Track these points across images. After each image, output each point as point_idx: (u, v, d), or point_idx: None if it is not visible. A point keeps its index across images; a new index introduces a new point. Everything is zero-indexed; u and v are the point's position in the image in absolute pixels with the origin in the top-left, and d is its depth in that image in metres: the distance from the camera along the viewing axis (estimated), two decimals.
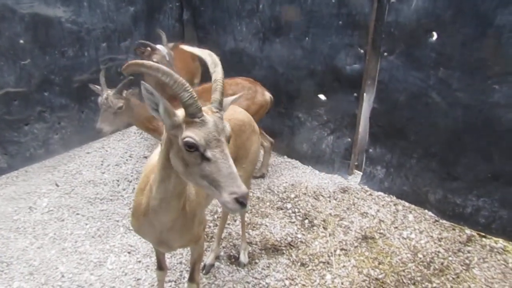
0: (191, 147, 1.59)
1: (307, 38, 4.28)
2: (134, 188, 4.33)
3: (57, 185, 4.33)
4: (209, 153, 1.59)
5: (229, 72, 5.28)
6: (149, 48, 3.56)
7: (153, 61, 3.31)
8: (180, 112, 1.67)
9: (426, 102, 3.66)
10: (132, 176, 4.55)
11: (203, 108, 1.64)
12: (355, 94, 4.20)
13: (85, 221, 3.83)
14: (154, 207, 1.95)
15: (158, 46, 3.54)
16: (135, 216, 2.18)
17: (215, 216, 3.91)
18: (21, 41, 4.32)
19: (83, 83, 4.88)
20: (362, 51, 3.98)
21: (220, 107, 1.70)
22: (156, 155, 2.07)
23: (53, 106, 4.78)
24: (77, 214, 3.92)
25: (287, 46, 4.47)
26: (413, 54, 3.61)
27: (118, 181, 4.46)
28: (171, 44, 3.72)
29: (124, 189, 4.33)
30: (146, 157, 4.88)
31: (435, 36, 3.44)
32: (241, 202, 1.55)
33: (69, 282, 3.13)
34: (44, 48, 4.52)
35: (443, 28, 3.37)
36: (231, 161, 1.60)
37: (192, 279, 2.56)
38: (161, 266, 2.73)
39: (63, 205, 4.03)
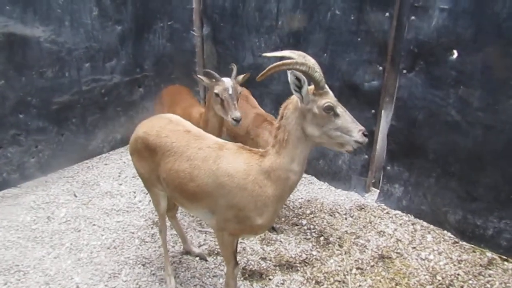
0: (329, 109, 2.16)
1: (325, 55, 4.29)
2: (150, 200, 4.36)
3: (75, 196, 4.39)
4: (338, 110, 2.17)
5: (247, 87, 5.32)
6: (213, 80, 3.47)
7: (214, 92, 3.39)
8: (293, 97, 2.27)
9: (445, 120, 3.61)
10: None
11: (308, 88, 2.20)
12: (373, 111, 4.17)
13: (101, 232, 3.86)
14: (295, 181, 2.37)
15: (224, 79, 3.50)
16: (263, 212, 2.40)
17: None
18: None
19: (64, 105, 4.75)
20: (380, 68, 3.97)
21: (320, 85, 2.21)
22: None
23: (29, 129, 4.52)
24: (94, 225, 3.96)
25: None
26: (433, 72, 3.58)
27: (134, 192, 4.50)
28: (240, 77, 3.62)
29: (140, 201, 4.36)
30: None
31: (455, 54, 3.41)
32: (366, 134, 2.17)
33: None
34: (20, 69, 4.29)
35: (464, 46, 3.34)
36: (348, 112, 2.21)
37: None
38: (237, 261, 2.78)
39: (80, 215, 4.08)
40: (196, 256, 3.58)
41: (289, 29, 4.53)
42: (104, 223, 3.98)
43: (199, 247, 3.69)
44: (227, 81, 3.44)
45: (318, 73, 2.13)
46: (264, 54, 2.51)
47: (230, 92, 3.38)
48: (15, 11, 4.15)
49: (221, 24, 5.21)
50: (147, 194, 4.48)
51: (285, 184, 2.34)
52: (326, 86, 2.19)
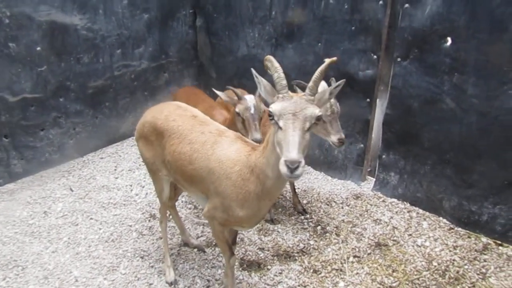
0: (270, 115, 1.96)
1: (319, 44, 4.28)
2: (147, 193, 4.37)
3: (72, 190, 4.38)
4: (281, 122, 1.91)
5: (241, 78, 5.32)
6: (235, 97, 3.34)
7: (236, 111, 3.30)
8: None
9: (440, 108, 3.62)
10: (145, 181, 4.58)
11: (298, 94, 2.05)
12: (368, 100, 4.18)
13: (99, 225, 3.87)
14: (270, 185, 2.24)
15: (246, 96, 3.32)
16: (243, 205, 2.37)
17: None
18: (38, 48, 4.41)
19: (98, 89, 5.04)
20: (375, 56, 3.97)
21: (310, 92, 2.00)
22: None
23: (68, 112, 4.86)
24: (91, 218, 3.96)
25: (299, 52, 4.48)
26: (427, 59, 3.58)
27: (131, 186, 4.50)
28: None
29: (137, 194, 4.36)
30: None
31: (449, 41, 3.41)
32: (291, 168, 1.81)
33: (83, 287, 3.16)
34: (60, 55, 4.62)
35: (457, 34, 3.34)
36: (298, 133, 1.87)
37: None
38: (233, 252, 2.82)
39: (77, 209, 4.08)
40: (194, 247, 3.59)
41: (283, 19, 4.50)
42: (101, 217, 3.99)
43: (197, 238, 3.71)
44: (250, 99, 3.29)
45: (277, 74, 2.00)
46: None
47: (252, 111, 3.26)
48: (56, 0, 4.45)
49: (214, 15, 5.18)
50: (143, 187, 4.49)
51: (263, 185, 2.26)
52: (289, 94, 1.98)
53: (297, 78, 4.58)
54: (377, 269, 3.38)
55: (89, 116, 5.09)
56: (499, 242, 3.60)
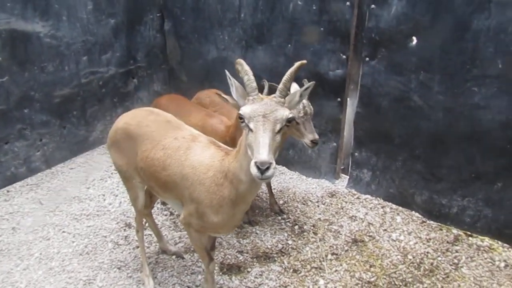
0: (241, 118, 1.95)
1: (289, 45, 4.32)
2: (120, 202, 4.27)
3: (41, 203, 4.22)
4: (251, 125, 1.92)
5: (212, 81, 5.28)
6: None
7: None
8: None
9: (408, 105, 3.73)
10: (118, 190, 4.47)
11: (269, 96, 2.03)
12: (339, 99, 4.24)
13: (72, 238, 3.75)
14: (244, 190, 2.22)
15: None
16: (218, 211, 2.35)
17: None
18: None
19: (64, 98, 4.87)
20: (344, 56, 4.03)
21: (280, 94, 2.01)
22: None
23: (34, 123, 4.66)
24: (63, 232, 3.83)
25: (270, 54, 4.50)
26: (394, 58, 3.68)
27: (104, 195, 4.39)
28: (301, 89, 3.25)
29: (110, 204, 4.26)
30: None
31: (414, 40, 3.51)
32: (261, 169, 1.81)
33: None
34: (22, 64, 4.40)
35: (422, 33, 3.45)
36: (268, 135, 1.88)
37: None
38: (212, 257, 2.80)
39: (48, 223, 3.94)
40: (173, 254, 3.55)
41: (252, 21, 4.51)
42: (74, 229, 3.86)
43: (175, 245, 3.66)
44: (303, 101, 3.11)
45: (246, 76, 2.02)
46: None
47: (308, 112, 3.21)
48: (16, 8, 4.25)
49: (182, 18, 5.12)
50: (117, 196, 4.39)
51: (237, 190, 2.24)
52: (259, 97, 1.99)
53: (269, 79, 4.63)
54: (355, 265, 3.45)
55: (56, 126, 4.90)
56: (469, 233, 3.75)
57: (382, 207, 4.17)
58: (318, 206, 4.24)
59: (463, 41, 3.27)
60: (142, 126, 2.68)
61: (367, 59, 3.85)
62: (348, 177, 4.54)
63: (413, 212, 4.06)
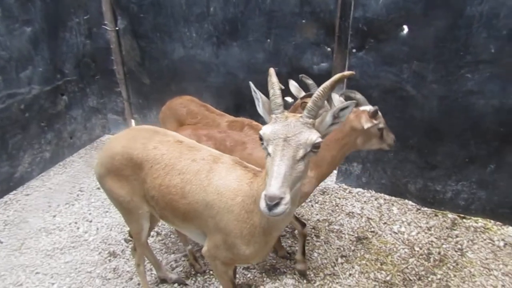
0: (260, 138, 1.72)
1: (268, 40, 4.04)
2: (97, 228, 3.78)
3: (1, 242, 3.60)
4: (270, 148, 1.66)
5: (180, 83, 4.85)
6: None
7: (378, 127, 2.87)
8: None
9: (400, 95, 3.66)
10: (90, 214, 3.96)
11: (295, 114, 1.74)
12: None
13: (50, 280, 3.22)
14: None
15: (368, 106, 2.87)
16: (249, 242, 2.07)
17: None
18: None
19: None
20: (328, 49, 3.86)
21: (308, 114, 1.71)
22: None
23: None
24: (37, 273, 3.29)
25: (246, 50, 4.19)
26: (384, 49, 3.57)
27: (76, 223, 3.85)
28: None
29: (85, 232, 3.75)
30: (99, 189, 4.27)
31: (406, 29, 3.42)
32: (270, 205, 1.55)
33: None
34: None
35: (414, 21, 3.37)
36: (285, 163, 1.60)
37: None
38: (235, 285, 2.50)
39: (16, 265, 3.36)
40: (174, 282, 3.19)
41: (223, 16, 4.15)
42: (50, 269, 3.33)
43: (172, 271, 3.30)
44: (372, 107, 2.83)
45: (272, 90, 1.78)
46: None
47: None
48: None
49: (140, 15, 4.59)
50: (91, 222, 3.87)
51: (268, 217, 1.88)
52: (283, 115, 1.72)
53: (247, 77, 4.35)
54: (367, 265, 3.35)
55: None
56: (463, 215, 3.83)
57: (376, 199, 4.12)
58: (312, 206, 4.08)
59: (456, 28, 3.24)
60: (149, 149, 2.27)
61: (354, 50, 3.71)
62: (336, 171, 4.43)
63: (407, 200, 4.07)
